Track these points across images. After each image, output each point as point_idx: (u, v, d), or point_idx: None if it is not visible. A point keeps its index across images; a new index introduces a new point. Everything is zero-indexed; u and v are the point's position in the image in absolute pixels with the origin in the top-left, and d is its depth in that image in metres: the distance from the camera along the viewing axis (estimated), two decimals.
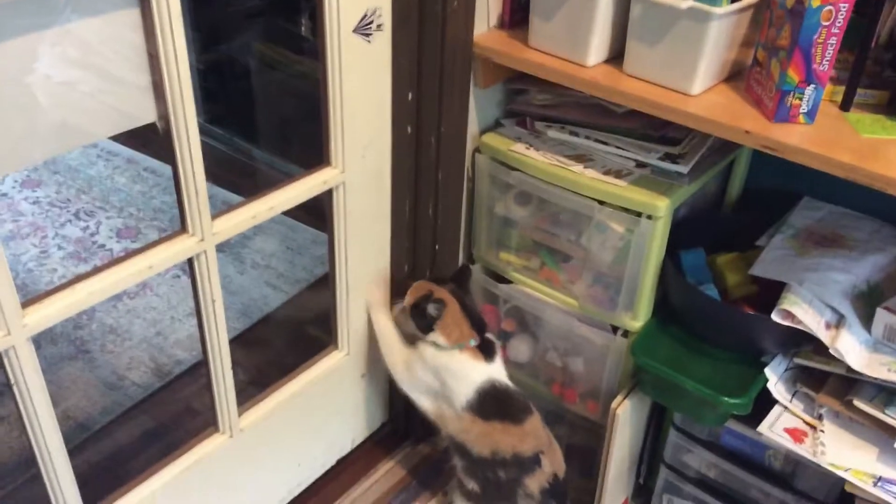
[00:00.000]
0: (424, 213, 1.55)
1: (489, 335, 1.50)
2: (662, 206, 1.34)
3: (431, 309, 1.43)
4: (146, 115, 1.12)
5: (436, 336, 1.45)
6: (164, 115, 1.12)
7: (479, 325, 1.47)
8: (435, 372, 1.48)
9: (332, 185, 1.41)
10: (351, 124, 1.37)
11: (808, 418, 1.32)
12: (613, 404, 1.48)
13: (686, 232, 1.45)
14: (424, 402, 1.52)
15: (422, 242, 1.59)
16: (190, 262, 1.24)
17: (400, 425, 1.83)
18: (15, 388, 1.10)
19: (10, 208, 2.57)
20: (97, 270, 1.14)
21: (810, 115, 1.17)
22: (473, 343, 1.46)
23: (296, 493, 1.68)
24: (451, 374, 1.46)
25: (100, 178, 2.74)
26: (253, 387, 1.61)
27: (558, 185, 1.43)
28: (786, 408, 1.34)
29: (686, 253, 1.45)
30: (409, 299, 1.49)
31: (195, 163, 1.16)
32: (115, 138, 2.85)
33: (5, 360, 1.07)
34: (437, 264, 1.61)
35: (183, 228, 1.22)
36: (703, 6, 1.17)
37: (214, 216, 1.24)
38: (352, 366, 1.66)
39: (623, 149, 1.41)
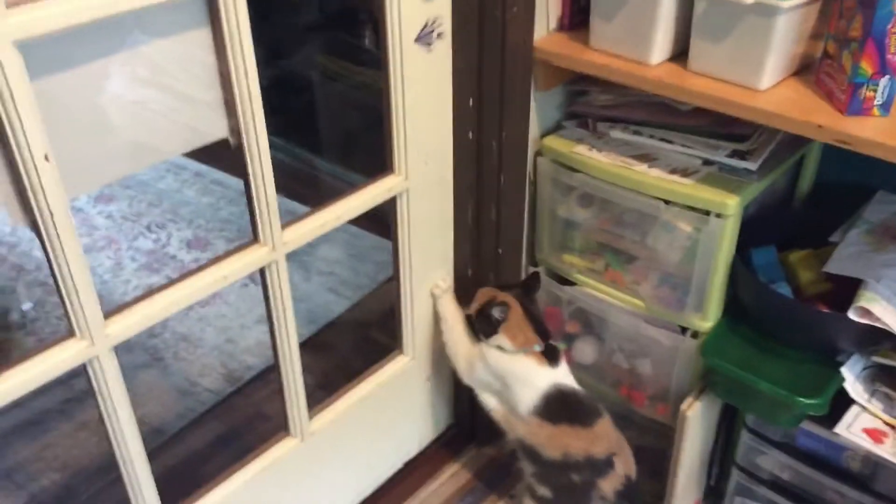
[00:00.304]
0: (487, 218, 1.55)
1: (553, 342, 1.50)
2: (732, 204, 1.31)
3: (496, 311, 1.43)
4: (217, 131, 1.15)
5: (500, 339, 1.46)
6: (235, 130, 1.15)
7: (543, 331, 1.47)
8: (497, 375, 1.48)
9: (396, 193, 1.42)
10: (413, 132, 1.38)
11: (887, 418, 1.28)
12: (683, 406, 1.46)
13: (756, 229, 1.42)
14: (488, 400, 1.53)
15: (485, 247, 1.60)
16: (262, 271, 1.27)
17: (465, 427, 1.84)
18: (98, 397, 1.14)
19: (85, 223, 2.67)
20: (174, 282, 1.18)
21: (885, 107, 1.14)
22: (538, 348, 1.46)
23: (365, 495, 1.70)
24: (515, 378, 1.47)
25: (169, 191, 2.83)
26: (321, 391, 1.63)
27: (622, 185, 1.42)
28: (864, 408, 1.31)
29: (757, 251, 1.42)
30: (474, 306, 1.50)
31: (266, 175, 1.19)
32: (184, 153, 2.93)
33: (89, 370, 1.12)
34: (500, 268, 1.62)
35: (255, 239, 1.25)
36: (769, 1, 1.15)
37: (284, 226, 1.27)
38: (417, 370, 1.68)
39: (689, 147, 1.39)
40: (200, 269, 1.21)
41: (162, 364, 2.09)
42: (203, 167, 2.93)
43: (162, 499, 1.29)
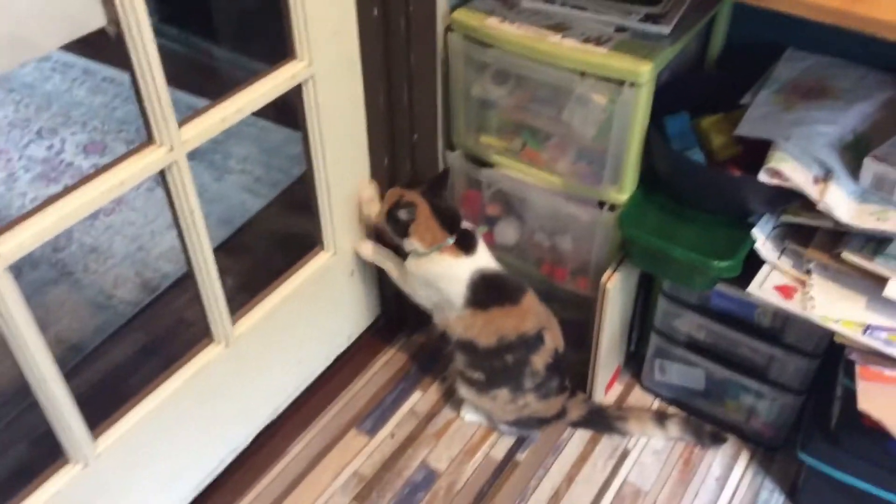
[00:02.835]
0: (399, 101, 1.49)
1: (466, 226, 1.49)
2: (645, 72, 1.29)
3: (403, 213, 1.43)
4: (94, 20, 1.04)
5: (412, 242, 1.46)
6: (113, 19, 1.04)
7: (452, 224, 1.46)
8: (425, 281, 1.49)
9: (301, 80, 1.34)
10: (314, 12, 1.29)
11: (797, 274, 1.34)
12: (603, 278, 1.49)
13: (669, 97, 1.41)
14: (434, 315, 1.55)
15: (399, 132, 1.54)
16: (162, 174, 1.20)
17: (394, 317, 1.85)
18: (0, 321, 1.08)
19: None
20: (66, 192, 1.10)
21: None
22: (450, 241, 1.45)
23: (298, 391, 1.70)
24: (439, 278, 1.47)
25: (58, 92, 2.63)
26: (243, 293, 1.60)
27: (536, 59, 1.37)
28: (774, 266, 1.35)
29: (670, 119, 1.42)
30: (383, 208, 1.49)
31: (154, 68, 1.09)
32: (69, 48, 2.71)
33: None
34: (416, 155, 1.57)
35: (150, 139, 1.17)
36: None
37: (181, 123, 1.18)
38: (340, 265, 1.65)
39: (602, 13, 1.35)
40: (93, 176, 1.12)
41: (72, 278, 2.00)
42: (92, 64, 2.72)
43: (86, 418, 1.25)
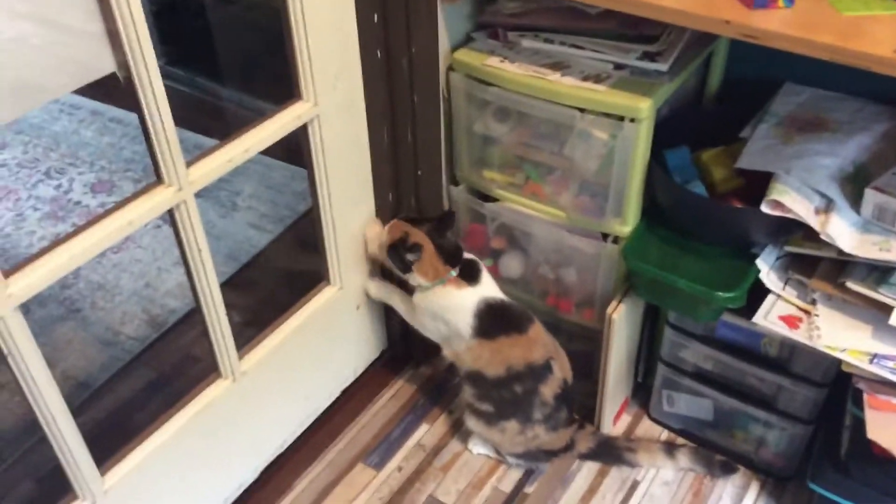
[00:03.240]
0: (403, 139, 1.51)
1: (469, 257, 1.51)
2: (645, 108, 1.31)
3: (410, 256, 1.45)
4: (105, 65, 1.07)
5: (416, 277, 1.48)
6: (123, 63, 1.07)
7: (453, 257, 1.48)
8: (433, 314, 1.50)
9: (307, 120, 1.37)
10: (318, 54, 1.32)
11: (801, 304, 1.34)
12: (609, 310, 1.50)
13: (669, 131, 1.42)
14: (443, 348, 1.56)
15: (403, 168, 1.56)
16: (170, 213, 1.21)
17: (399, 350, 1.85)
18: (10, 359, 1.09)
19: None
20: (77, 232, 1.12)
21: None
22: (453, 274, 1.47)
23: (305, 426, 1.70)
24: (445, 310, 1.48)
25: (65, 133, 2.67)
26: (251, 328, 1.61)
27: (536, 96, 1.40)
28: (779, 296, 1.36)
29: (670, 152, 1.43)
30: (387, 239, 1.50)
31: (162, 111, 1.12)
32: (76, 90, 2.76)
33: None
34: (420, 191, 1.59)
35: (158, 179, 1.19)
36: None
37: (189, 163, 1.20)
38: (346, 299, 1.66)
39: (600, 51, 1.38)
40: (103, 216, 1.14)
41: (80, 315, 2.01)
42: (99, 105, 2.76)
43: (93, 454, 1.25)
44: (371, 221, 1.60)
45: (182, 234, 1.24)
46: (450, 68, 1.49)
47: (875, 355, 1.25)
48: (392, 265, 1.51)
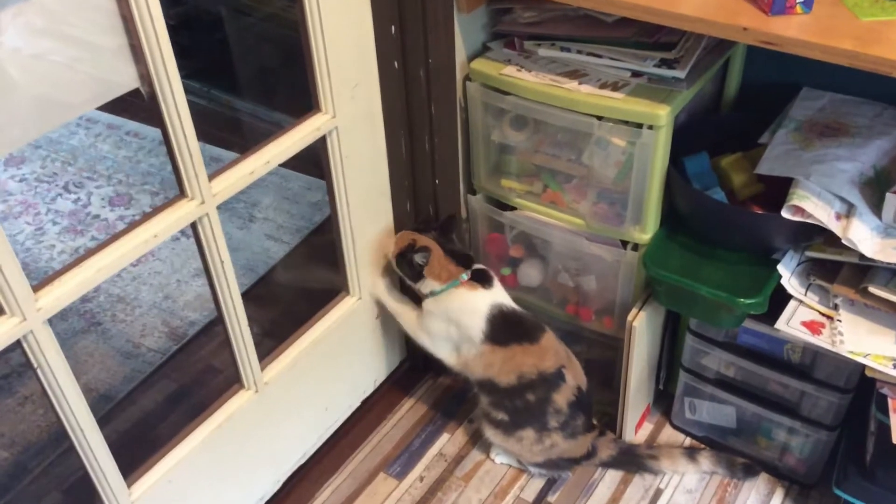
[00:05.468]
0: (421, 149, 1.52)
1: (479, 266, 1.52)
2: (663, 115, 1.31)
3: (418, 258, 1.46)
4: (128, 80, 1.08)
5: (428, 283, 1.48)
6: (146, 78, 1.08)
7: (464, 260, 1.49)
8: (445, 318, 1.50)
9: (325, 132, 1.38)
10: (336, 66, 1.33)
11: (824, 309, 1.34)
12: (629, 317, 1.49)
13: (688, 137, 1.43)
14: (450, 358, 1.56)
15: (421, 178, 1.57)
16: (193, 226, 1.23)
17: (418, 361, 1.85)
18: (38, 371, 1.10)
19: None
20: (103, 246, 1.13)
21: (807, 3, 1.14)
22: (465, 276, 1.48)
23: (326, 437, 1.71)
24: (459, 312, 1.49)
25: (83, 147, 2.69)
26: (270, 339, 1.61)
27: (554, 104, 1.40)
28: (801, 301, 1.35)
29: (689, 159, 1.43)
30: (393, 249, 1.52)
31: (185, 126, 1.13)
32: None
33: (25, 345, 1.07)
34: (438, 200, 1.59)
35: (182, 193, 1.20)
36: None
37: (212, 176, 1.22)
38: (365, 309, 1.66)
39: (617, 59, 1.38)
40: (128, 229, 1.15)
41: (100, 328, 2.03)
42: (116, 119, 2.79)
43: (119, 464, 1.26)
44: (390, 235, 1.61)
45: (205, 247, 1.25)
46: (467, 78, 1.50)
47: None
48: (403, 274, 1.51)
